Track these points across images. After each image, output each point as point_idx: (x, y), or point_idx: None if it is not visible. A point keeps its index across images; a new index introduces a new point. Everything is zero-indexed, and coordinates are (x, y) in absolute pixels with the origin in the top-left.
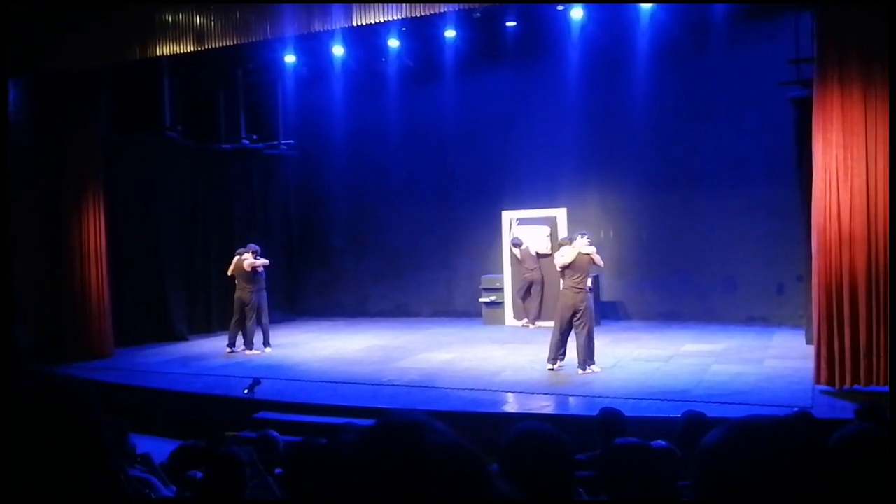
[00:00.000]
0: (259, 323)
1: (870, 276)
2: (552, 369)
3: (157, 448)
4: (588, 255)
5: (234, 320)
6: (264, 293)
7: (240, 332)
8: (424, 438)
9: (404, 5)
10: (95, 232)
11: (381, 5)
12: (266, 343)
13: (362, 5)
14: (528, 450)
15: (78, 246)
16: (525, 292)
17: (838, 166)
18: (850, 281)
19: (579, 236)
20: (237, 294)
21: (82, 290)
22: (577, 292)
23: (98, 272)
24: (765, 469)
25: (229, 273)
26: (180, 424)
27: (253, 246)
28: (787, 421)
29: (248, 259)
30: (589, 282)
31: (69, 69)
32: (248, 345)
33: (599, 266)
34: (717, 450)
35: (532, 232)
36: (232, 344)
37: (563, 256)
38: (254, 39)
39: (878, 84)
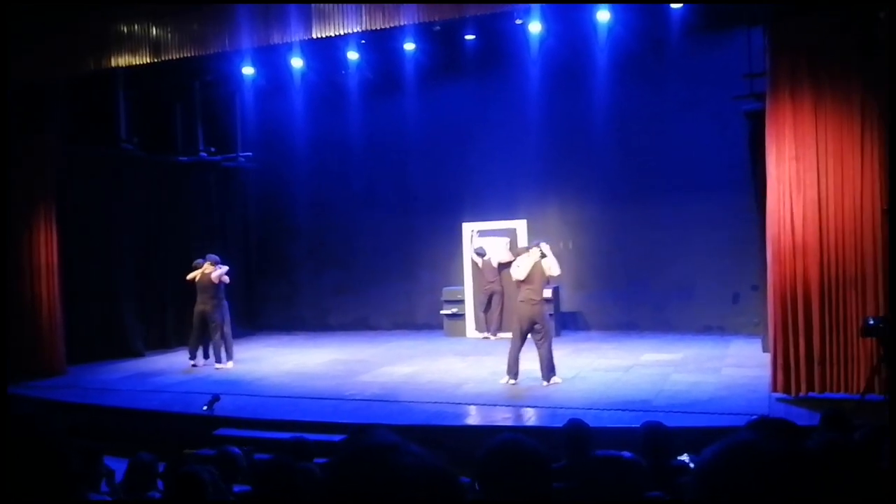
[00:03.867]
0: (222, 336)
1: (822, 285)
2: (512, 384)
3: (114, 468)
4: (541, 264)
5: (193, 334)
6: (225, 304)
7: (201, 346)
8: (397, 460)
9: (364, 17)
10: (47, 246)
11: (340, 18)
12: (229, 357)
13: (321, 18)
14: (507, 461)
15: (28, 261)
16: (486, 304)
17: (791, 178)
18: (804, 290)
19: (535, 246)
20: (198, 308)
21: (33, 306)
22: (535, 304)
23: (49, 287)
24: (761, 482)
25: (189, 279)
26: (137, 443)
27: (213, 256)
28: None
29: (212, 271)
30: (547, 293)
31: (22, 80)
32: (217, 358)
33: (554, 275)
34: (715, 468)
35: (493, 243)
36: (193, 358)
37: (519, 268)
38: (211, 51)
39: (828, 97)
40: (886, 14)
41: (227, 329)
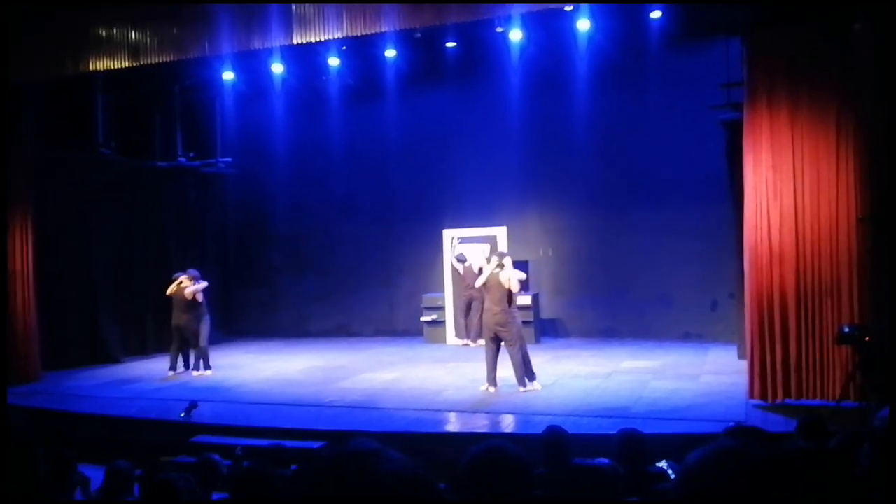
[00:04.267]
0: (199, 347)
1: (799, 293)
2: (492, 391)
3: (91, 475)
4: (497, 276)
5: (174, 344)
6: (207, 318)
7: (180, 356)
8: (378, 466)
9: (345, 24)
10: (22, 251)
11: (321, 24)
12: (206, 366)
13: (302, 23)
14: (490, 467)
15: (3, 266)
16: (466, 310)
17: (768, 186)
18: (781, 298)
19: (494, 258)
20: (174, 322)
21: (7, 312)
22: (495, 314)
23: (25, 293)
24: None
25: (169, 293)
26: (113, 450)
27: (192, 271)
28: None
29: (188, 287)
30: (525, 300)
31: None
32: (196, 366)
33: (513, 290)
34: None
35: (474, 249)
36: (173, 367)
37: (479, 278)
38: (191, 56)
39: (804, 107)
40: (862, 25)
41: (204, 342)
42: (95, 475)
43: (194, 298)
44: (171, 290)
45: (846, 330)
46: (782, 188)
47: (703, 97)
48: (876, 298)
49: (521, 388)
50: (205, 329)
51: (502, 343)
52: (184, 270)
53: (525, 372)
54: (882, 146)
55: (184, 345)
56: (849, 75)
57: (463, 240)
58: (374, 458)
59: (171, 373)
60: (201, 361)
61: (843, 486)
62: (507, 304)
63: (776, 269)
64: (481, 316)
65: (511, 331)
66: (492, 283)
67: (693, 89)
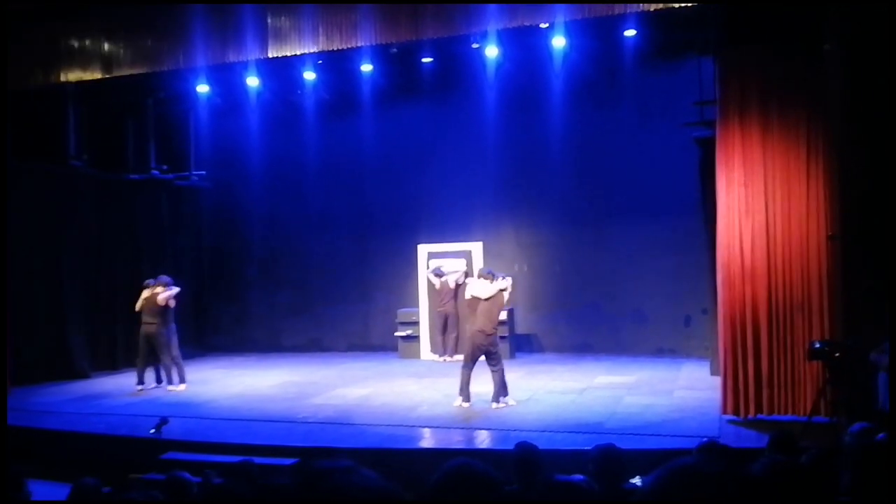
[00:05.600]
0: (172, 358)
1: (771, 309)
2: (464, 406)
3: (56, 493)
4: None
5: (140, 357)
6: (173, 326)
7: (149, 368)
8: (350, 482)
9: (321, 38)
10: None
11: (297, 38)
12: (181, 379)
13: (278, 37)
14: (459, 485)
15: None
16: (442, 326)
17: (740, 203)
18: (753, 313)
19: (476, 276)
20: (143, 329)
21: None
22: (489, 335)
23: None
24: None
25: (137, 309)
26: (81, 467)
27: (164, 278)
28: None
29: (161, 293)
30: (487, 322)
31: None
32: (169, 380)
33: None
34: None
35: (450, 265)
36: (141, 381)
37: (486, 290)
38: (165, 68)
39: (776, 125)
40: (832, 46)
41: (177, 352)
42: (60, 493)
43: (166, 305)
44: (140, 302)
45: (817, 345)
46: (754, 205)
47: (676, 114)
48: (845, 315)
49: (494, 405)
50: (174, 338)
51: (481, 359)
52: (154, 278)
53: (501, 388)
54: (851, 164)
55: (151, 356)
56: (819, 94)
57: (436, 255)
58: (348, 475)
59: (139, 387)
60: (175, 374)
61: (816, 502)
62: (494, 323)
63: (748, 285)
64: (458, 333)
65: (498, 350)
66: (492, 301)
67: (667, 107)
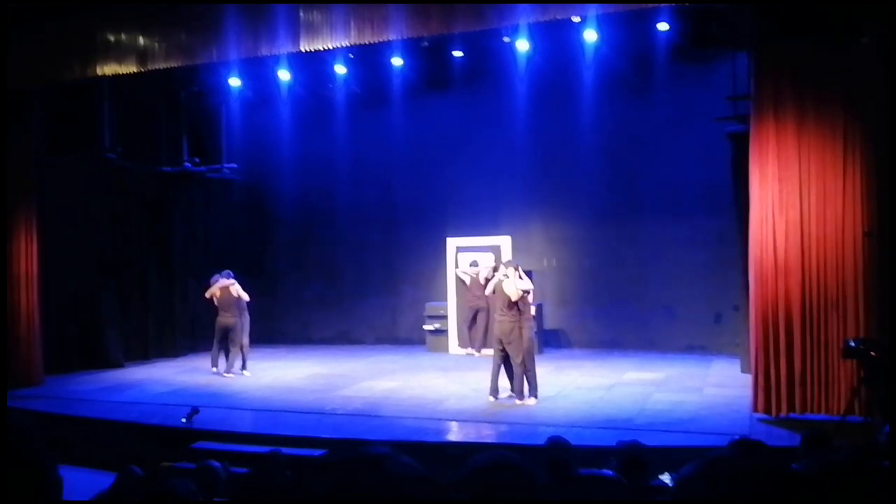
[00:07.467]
0: (241, 347)
1: (804, 306)
2: (490, 400)
3: (90, 480)
4: (501, 284)
5: (215, 345)
6: (247, 315)
7: (221, 355)
8: (389, 470)
9: (352, 32)
10: (27, 255)
11: (328, 32)
12: (244, 366)
13: (309, 31)
14: (494, 476)
15: (7, 270)
16: (471, 320)
17: (774, 199)
18: (786, 311)
19: (502, 266)
20: (221, 320)
21: (11, 315)
22: (500, 322)
23: (28, 297)
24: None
25: (208, 296)
26: (114, 455)
27: (229, 272)
28: (742, 451)
29: (235, 286)
30: (513, 312)
31: (4, 87)
32: (237, 367)
33: (511, 298)
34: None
35: (484, 258)
36: (216, 365)
37: (488, 287)
38: (198, 62)
39: (811, 119)
40: (870, 39)
41: (246, 340)
42: (96, 480)
43: (240, 297)
44: (212, 291)
45: (852, 344)
46: (788, 201)
47: (709, 109)
48: (882, 313)
49: (518, 401)
50: (246, 328)
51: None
52: (219, 272)
53: (525, 386)
54: (888, 160)
55: (224, 343)
56: (856, 89)
57: (462, 249)
58: (386, 462)
59: (213, 370)
60: (243, 362)
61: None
62: (511, 313)
63: (781, 281)
64: (487, 327)
65: (515, 341)
66: (497, 292)
67: (699, 101)
